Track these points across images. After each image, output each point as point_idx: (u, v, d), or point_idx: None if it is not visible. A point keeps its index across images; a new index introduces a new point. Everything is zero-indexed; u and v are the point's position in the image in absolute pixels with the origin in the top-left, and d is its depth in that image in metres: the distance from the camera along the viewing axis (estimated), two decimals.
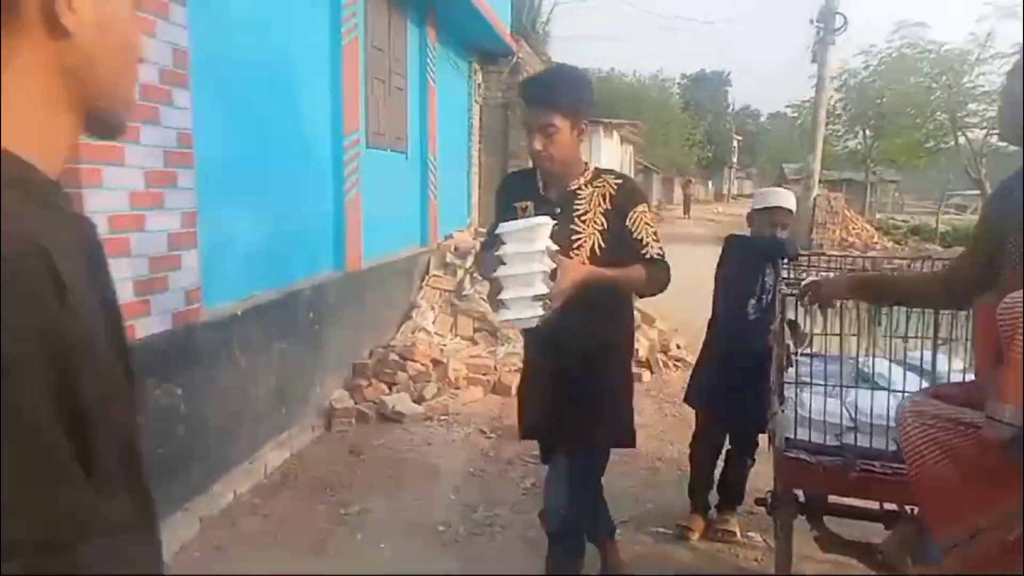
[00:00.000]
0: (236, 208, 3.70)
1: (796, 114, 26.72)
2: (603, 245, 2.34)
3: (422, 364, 5.23)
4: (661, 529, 3.35)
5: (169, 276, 3.06)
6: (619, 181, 2.42)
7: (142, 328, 2.91)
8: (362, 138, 5.24)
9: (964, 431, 1.56)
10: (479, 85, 9.06)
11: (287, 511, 3.48)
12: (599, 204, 2.36)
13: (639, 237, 2.35)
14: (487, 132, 9.35)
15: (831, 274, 2.78)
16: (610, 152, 19.30)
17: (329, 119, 4.85)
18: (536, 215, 2.27)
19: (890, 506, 2.57)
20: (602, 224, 2.34)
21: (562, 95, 2.26)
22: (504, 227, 2.19)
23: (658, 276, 2.36)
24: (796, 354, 2.62)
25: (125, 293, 2.80)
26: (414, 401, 4.90)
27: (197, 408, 3.26)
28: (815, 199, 16.43)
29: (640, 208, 2.38)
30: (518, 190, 2.49)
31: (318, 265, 4.78)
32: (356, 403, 4.79)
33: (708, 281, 3.36)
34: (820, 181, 17.21)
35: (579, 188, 2.39)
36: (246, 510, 3.46)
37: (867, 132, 23.12)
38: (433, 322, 6.20)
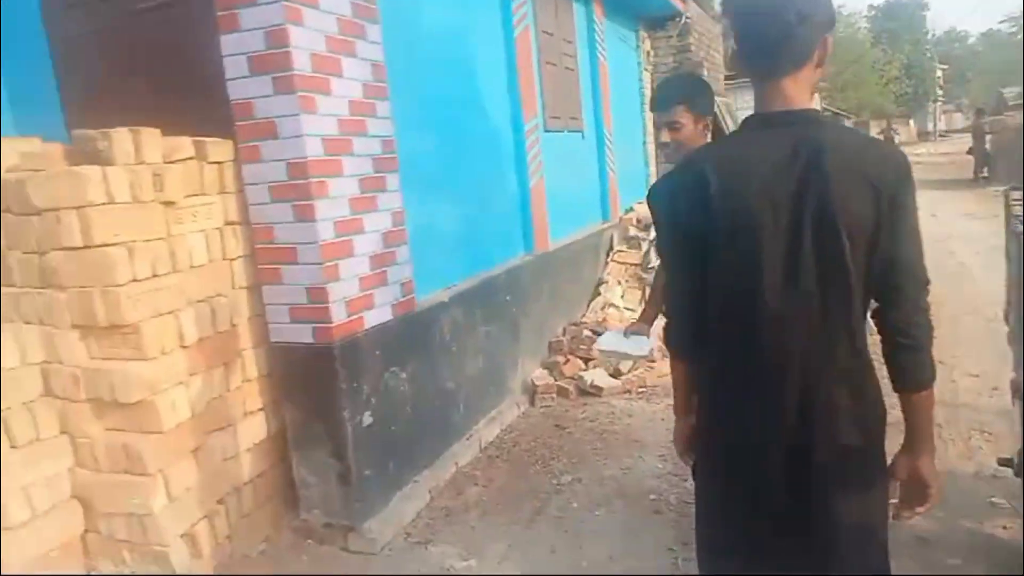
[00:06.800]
0: (437, 205, 3.99)
1: (1014, 28, 23.42)
2: None
3: None
4: None
5: (387, 271, 3.40)
6: None
7: (367, 320, 3.25)
8: (540, 123, 5.39)
9: None
10: (648, 53, 8.89)
11: (505, 482, 3.73)
12: None
13: None
14: None
15: None
16: None
17: (509, 110, 5.04)
18: None
19: None
20: None
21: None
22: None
23: None
24: None
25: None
26: (611, 375, 5.00)
27: (418, 388, 3.59)
28: None
29: None
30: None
31: (512, 250, 5.02)
32: (555, 379, 4.99)
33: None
34: None
35: None
36: (468, 480, 3.76)
37: None
38: (622, 296, 6.26)
